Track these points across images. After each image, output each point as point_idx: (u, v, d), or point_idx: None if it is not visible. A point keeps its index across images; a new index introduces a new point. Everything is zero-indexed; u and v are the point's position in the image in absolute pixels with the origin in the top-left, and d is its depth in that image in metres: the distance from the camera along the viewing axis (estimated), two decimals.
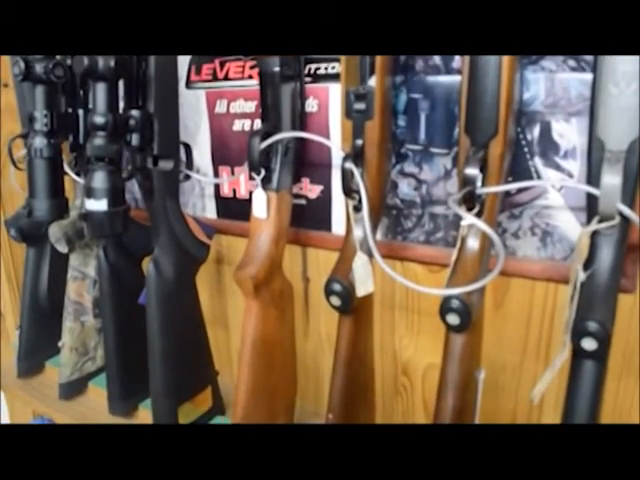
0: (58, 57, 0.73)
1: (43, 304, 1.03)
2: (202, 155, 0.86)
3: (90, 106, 0.67)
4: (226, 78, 0.80)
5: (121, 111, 0.68)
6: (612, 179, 0.48)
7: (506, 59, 0.51)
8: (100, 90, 0.63)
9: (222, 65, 0.80)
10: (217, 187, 0.87)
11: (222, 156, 0.84)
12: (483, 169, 0.53)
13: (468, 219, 0.52)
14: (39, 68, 0.70)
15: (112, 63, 0.61)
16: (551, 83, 0.58)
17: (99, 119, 0.63)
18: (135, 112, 0.67)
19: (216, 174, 0.86)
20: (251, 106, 0.79)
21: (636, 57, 0.46)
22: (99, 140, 0.63)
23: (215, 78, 0.81)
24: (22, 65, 0.69)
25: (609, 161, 0.49)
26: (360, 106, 0.60)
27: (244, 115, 0.80)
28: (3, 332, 1.39)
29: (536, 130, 0.59)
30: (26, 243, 1.02)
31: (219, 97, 0.82)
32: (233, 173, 0.84)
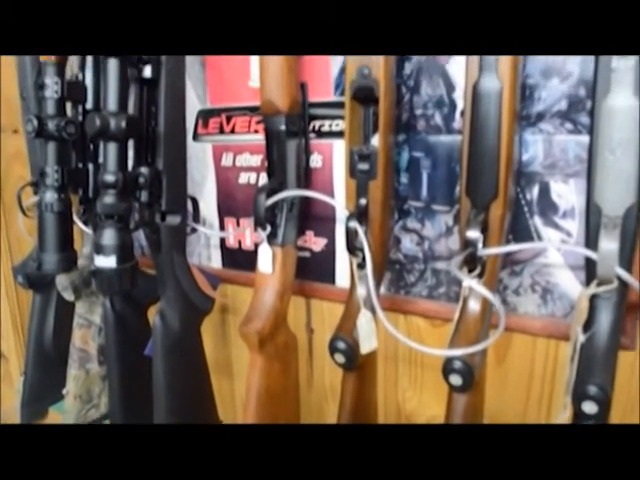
0: (69, 115, 0.75)
1: (48, 351, 1.03)
2: (208, 206, 0.88)
3: (100, 161, 0.69)
4: (232, 132, 0.82)
5: (130, 167, 0.70)
6: (609, 245, 0.50)
7: (505, 121, 0.53)
8: (111, 149, 0.65)
9: (228, 119, 0.82)
10: (223, 238, 0.88)
11: (228, 208, 0.86)
12: (484, 231, 0.55)
13: (468, 282, 0.54)
14: (51, 125, 0.72)
15: (123, 124, 0.63)
16: (549, 145, 0.60)
17: (109, 177, 0.64)
18: (144, 169, 0.68)
19: (222, 225, 0.87)
20: (257, 160, 0.81)
21: (631, 125, 0.48)
22: (109, 198, 0.65)
23: (222, 131, 0.84)
24: (35, 122, 0.71)
25: (606, 227, 0.50)
26: (364, 166, 0.62)
27: (250, 168, 0.82)
28: (6, 376, 1.39)
29: (535, 190, 0.61)
30: (33, 290, 1.03)
31: (225, 150, 0.84)
32: (239, 224, 0.85)
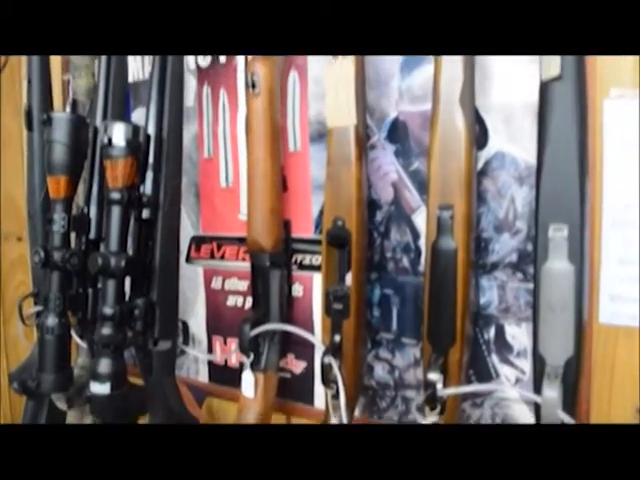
0: (74, 245, 0.83)
1: None
2: (198, 324, 0.94)
3: (99, 286, 0.76)
4: (222, 258, 0.90)
5: (127, 292, 0.76)
6: (551, 392, 0.56)
7: (460, 276, 0.60)
8: (110, 285, 0.72)
9: (219, 247, 0.90)
10: (210, 353, 0.94)
11: (216, 327, 0.92)
12: (444, 372, 0.61)
13: (429, 420, 0.59)
14: (57, 257, 0.79)
15: (123, 263, 0.70)
16: (503, 291, 0.67)
17: (108, 310, 0.71)
18: (140, 301, 0.75)
19: (210, 342, 0.93)
20: (244, 285, 0.88)
21: (568, 287, 0.56)
22: (107, 330, 0.71)
23: (212, 257, 0.91)
24: (42, 254, 0.78)
25: (549, 376, 0.56)
26: (338, 306, 0.69)
27: (237, 292, 0.89)
28: None
29: (492, 331, 0.68)
30: (26, 396, 1.07)
31: (215, 274, 0.91)
32: (226, 343, 0.91)
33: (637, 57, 0.59)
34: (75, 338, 0.93)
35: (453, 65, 0.60)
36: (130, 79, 0.98)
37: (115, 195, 0.71)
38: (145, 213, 0.76)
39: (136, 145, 0.72)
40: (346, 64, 0.65)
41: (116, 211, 0.72)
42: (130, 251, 0.75)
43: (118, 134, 0.70)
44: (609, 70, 0.59)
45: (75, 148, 0.78)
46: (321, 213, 0.78)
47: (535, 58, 0.58)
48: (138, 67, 0.99)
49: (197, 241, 0.93)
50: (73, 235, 0.85)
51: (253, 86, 0.71)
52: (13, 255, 1.30)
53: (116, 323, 0.71)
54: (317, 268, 0.79)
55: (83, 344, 0.94)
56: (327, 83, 0.67)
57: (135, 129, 0.72)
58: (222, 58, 0.88)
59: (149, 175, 0.77)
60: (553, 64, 0.55)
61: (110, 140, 0.71)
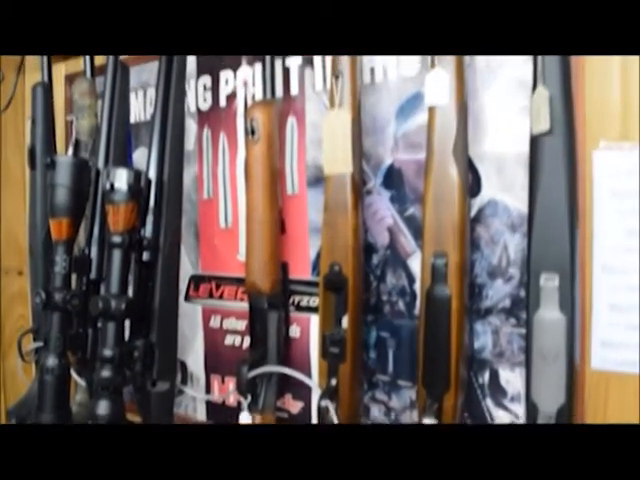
0: (74, 286, 0.84)
1: None
2: (196, 362, 0.95)
3: (99, 325, 0.77)
4: (221, 297, 0.91)
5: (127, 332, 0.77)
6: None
7: (454, 323, 0.61)
8: (110, 327, 0.73)
9: (218, 286, 0.91)
10: (208, 392, 0.95)
11: (214, 365, 0.93)
12: (438, 417, 0.62)
13: None
14: (58, 298, 0.80)
15: (123, 306, 0.71)
16: (497, 336, 0.68)
17: (107, 353, 0.72)
18: (139, 343, 0.76)
19: (208, 381, 0.94)
20: (242, 324, 0.89)
21: (559, 336, 0.57)
22: (106, 372, 0.72)
23: (211, 296, 0.92)
24: (43, 296, 0.79)
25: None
26: (334, 350, 0.70)
27: (235, 332, 0.90)
28: None
29: (486, 375, 0.69)
30: None
31: (214, 313, 0.92)
32: (223, 381, 0.92)
33: (625, 110, 0.61)
34: (74, 376, 0.94)
35: (446, 115, 0.62)
36: (132, 119, 1.00)
37: (116, 239, 0.73)
38: (145, 255, 0.77)
39: (137, 190, 0.74)
40: (342, 114, 0.67)
41: (117, 254, 0.74)
42: (130, 293, 0.76)
43: (120, 180, 0.72)
44: (598, 123, 0.61)
45: (78, 191, 0.80)
46: (318, 255, 0.79)
47: (527, 111, 0.59)
48: (140, 108, 1.01)
49: (196, 280, 0.94)
50: (74, 275, 0.86)
51: (252, 133, 0.73)
52: (13, 289, 1.31)
53: (115, 365, 0.72)
54: (314, 309, 0.80)
55: (82, 382, 0.94)
56: (324, 132, 0.69)
57: (137, 174, 0.74)
58: (222, 102, 0.90)
59: (150, 218, 0.78)
60: (543, 118, 0.57)
61: (112, 185, 0.72)
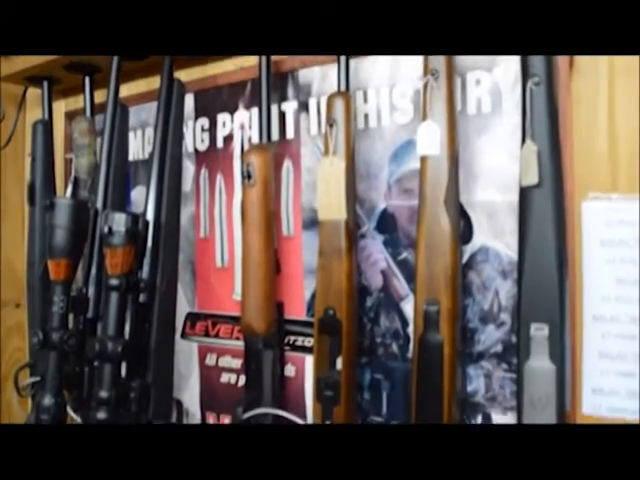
0: (71, 325, 0.84)
1: None
2: (192, 399, 0.95)
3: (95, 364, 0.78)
4: (217, 335, 0.92)
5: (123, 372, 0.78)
6: None
7: (447, 369, 0.62)
8: (106, 369, 0.73)
9: (214, 324, 0.92)
10: None
11: (209, 403, 0.93)
12: None
13: None
14: (55, 337, 0.80)
15: (119, 348, 0.72)
16: (489, 380, 0.69)
17: (103, 394, 0.73)
18: (135, 384, 0.76)
19: (203, 418, 0.94)
20: (237, 363, 0.89)
21: (549, 385, 0.58)
22: (102, 414, 0.72)
23: (207, 334, 0.93)
24: (40, 336, 0.80)
25: None
26: (329, 393, 0.70)
27: (231, 370, 0.90)
28: None
29: (479, 419, 0.69)
30: None
31: (210, 351, 0.93)
32: (219, 418, 0.92)
33: (612, 161, 0.62)
34: (70, 413, 0.94)
35: (438, 165, 0.64)
36: (130, 158, 1.02)
37: (114, 282, 0.74)
38: (142, 297, 0.78)
39: (135, 233, 0.75)
40: (337, 162, 0.69)
41: (114, 297, 0.75)
42: (127, 335, 0.77)
43: (118, 224, 0.73)
44: (586, 174, 0.63)
45: (76, 233, 0.81)
46: (313, 296, 0.80)
47: (516, 160, 0.60)
48: (138, 147, 1.03)
49: (192, 318, 0.95)
50: (71, 314, 0.86)
51: (249, 177, 0.75)
52: (11, 321, 1.31)
53: (111, 407, 0.73)
54: (309, 349, 0.81)
55: (77, 419, 0.95)
56: (318, 179, 0.70)
57: (134, 218, 0.75)
58: (219, 143, 0.92)
59: (147, 260, 0.79)
60: (531, 172, 0.58)
61: (110, 229, 0.73)
